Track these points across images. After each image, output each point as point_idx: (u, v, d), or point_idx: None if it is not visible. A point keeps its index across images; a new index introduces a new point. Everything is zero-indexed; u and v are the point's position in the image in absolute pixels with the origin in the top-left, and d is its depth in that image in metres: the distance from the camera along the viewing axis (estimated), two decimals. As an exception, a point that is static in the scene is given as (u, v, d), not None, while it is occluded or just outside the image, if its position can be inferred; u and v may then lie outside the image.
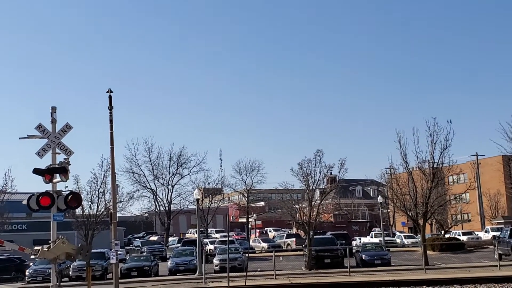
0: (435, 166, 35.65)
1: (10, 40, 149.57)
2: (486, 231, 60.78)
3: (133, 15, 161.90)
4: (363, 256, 36.84)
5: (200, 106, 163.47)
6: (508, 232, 38.69)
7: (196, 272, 34.93)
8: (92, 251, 29.15)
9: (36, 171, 17.09)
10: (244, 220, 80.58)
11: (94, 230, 43.20)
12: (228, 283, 22.73)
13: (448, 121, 35.37)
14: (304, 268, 35.81)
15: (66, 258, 16.96)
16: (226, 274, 23.89)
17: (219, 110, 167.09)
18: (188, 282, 29.17)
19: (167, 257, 46.38)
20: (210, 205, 72.40)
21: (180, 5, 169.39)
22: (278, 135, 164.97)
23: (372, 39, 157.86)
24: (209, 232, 70.49)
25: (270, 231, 77.75)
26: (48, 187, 17.33)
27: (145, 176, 68.62)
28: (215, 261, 37.25)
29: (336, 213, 79.08)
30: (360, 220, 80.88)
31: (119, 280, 26.72)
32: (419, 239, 43.44)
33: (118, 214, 36.17)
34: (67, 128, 18.01)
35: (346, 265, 31.56)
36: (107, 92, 26.33)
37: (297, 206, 41.77)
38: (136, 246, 59.36)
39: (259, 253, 51.54)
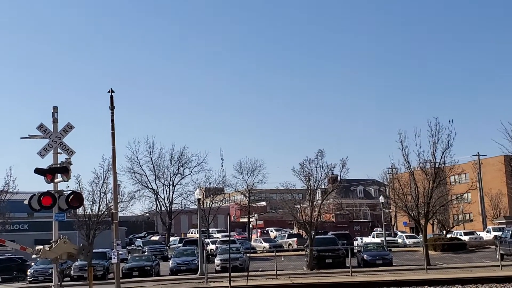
0: (436, 166, 35.66)
1: (10, 40, 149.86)
2: (487, 231, 60.74)
3: (134, 15, 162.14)
4: (365, 256, 36.82)
5: (201, 106, 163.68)
6: (510, 232, 38.58)
7: (197, 272, 34.94)
8: (94, 251, 29.14)
9: (38, 171, 17.10)
10: (246, 220, 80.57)
11: (95, 230, 43.20)
12: (230, 283, 22.73)
13: (449, 121, 35.35)
14: (306, 268, 35.81)
15: (68, 258, 16.97)
16: (227, 274, 23.88)
17: (220, 110, 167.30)
18: (189, 282, 29.18)
19: (169, 257, 46.42)
20: (212, 205, 72.41)
21: (180, 5, 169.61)
22: (279, 135, 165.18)
23: (372, 39, 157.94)
24: (210, 232, 70.49)
25: (271, 231, 77.78)
26: (50, 187, 17.35)
27: (146, 176, 68.74)
28: (217, 261, 37.26)
29: (338, 213, 79.03)
30: (361, 220, 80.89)
31: (121, 280, 26.76)
32: (421, 239, 43.45)
33: (120, 214, 36.22)
34: (68, 128, 18.02)
35: (347, 265, 31.56)
36: (109, 92, 26.35)
37: (298, 206, 41.76)
38: (137, 246, 59.37)
39: (260, 253, 51.53)
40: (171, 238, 66.19)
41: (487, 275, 23.29)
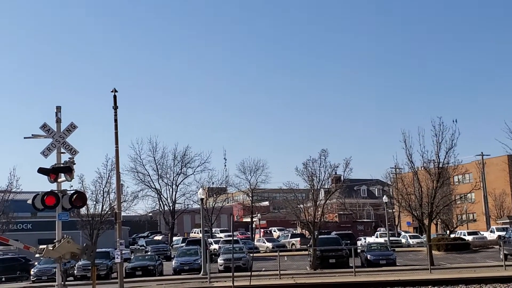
0: (440, 165, 35.58)
1: (11, 40, 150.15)
2: (491, 231, 60.60)
3: (135, 15, 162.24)
4: (368, 256, 36.77)
5: (203, 106, 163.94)
6: (514, 232, 38.58)
7: (200, 271, 34.95)
8: (97, 250, 29.19)
9: (41, 170, 17.12)
10: (249, 219, 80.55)
11: (99, 230, 43.23)
12: (233, 283, 22.72)
13: (453, 121, 35.25)
14: (309, 268, 35.77)
15: (71, 258, 16.99)
16: (230, 274, 23.88)
17: (221, 110, 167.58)
18: (192, 282, 29.20)
19: (172, 256, 46.44)
20: (215, 204, 72.23)
21: (180, 5, 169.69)
22: (280, 135, 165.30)
23: (372, 39, 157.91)
24: (213, 231, 70.43)
25: (274, 231, 77.65)
26: (53, 186, 17.37)
27: (149, 175, 68.60)
28: (220, 260, 37.27)
29: (341, 213, 78.91)
30: (365, 220, 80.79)
31: (124, 280, 26.79)
32: (425, 239, 43.35)
33: (123, 214, 36.15)
34: (71, 127, 18.04)
35: (351, 265, 31.50)
36: (112, 91, 26.38)
37: (301, 205, 41.73)
38: (140, 246, 59.39)
39: (263, 252, 51.52)
40: (174, 238, 66.14)
41: (491, 275, 23.26)
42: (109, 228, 44.28)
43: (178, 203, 69.60)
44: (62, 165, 17.33)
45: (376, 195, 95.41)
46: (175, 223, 70.70)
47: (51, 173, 17.12)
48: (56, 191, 17.11)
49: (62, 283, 17.13)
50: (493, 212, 71.46)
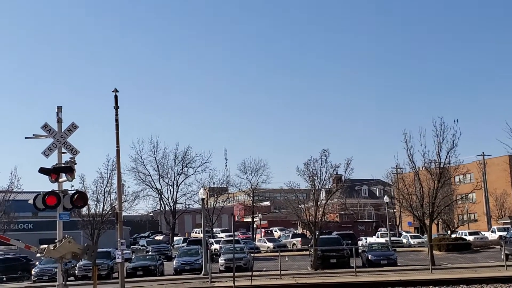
0: (441, 166, 35.57)
1: (13, 41, 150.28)
2: (492, 231, 60.58)
3: (135, 15, 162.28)
4: (369, 256, 36.77)
5: (204, 106, 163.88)
6: (515, 232, 38.61)
7: (201, 271, 34.95)
8: (98, 250, 29.19)
9: (42, 170, 17.13)
10: (250, 219, 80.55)
11: (100, 230, 43.27)
12: (234, 283, 22.72)
13: (454, 121, 35.35)
14: (310, 268, 35.77)
15: (72, 258, 16.99)
16: (231, 274, 23.88)
17: (222, 110, 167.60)
18: (193, 282, 29.21)
19: (173, 256, 46.41)
20: (215, 204, 72.30)
21: (180, 5, 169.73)
22: (283, 135, 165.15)
23: (372, 39, 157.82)
24: (214, 231, 70.46)
25: (275, 231, 77.67)
26: (54, 186, 17.37)
27: (150, 175, 68.68)
28: (221, 260, 37.27)
29: (342, 213, 78.95)
30: (366, 220, 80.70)
31: (125, 280, 26.77)
32: (426, 239, 43.33)
33: (124, 214, 36.18)
34: (73, 127, 18.04)
35: (352, 265, 31.51)
36: (113, 91, 26.36)
37: (302, 205, 41.71)
38: (141, 246, 59.40)
39: (264, 253, 51.51)
40: (175, 238, 66.14)
41: (492, 275, 23.25)
42: (110, 228, 44.29)
43: (179, 203, 69.74)
44: (63, 165, 17.33)
45: (377, 195, 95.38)
46: (176, 223, 70.78)
47: (52, 173, 17.12)
48: (57, 191, 17.12)
49: (63, 283, 17.12)
50: (494, 212, 71.44)
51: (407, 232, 69.64)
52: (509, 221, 68.40)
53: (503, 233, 51.20)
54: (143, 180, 68.02)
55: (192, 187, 69.76)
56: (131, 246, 61.53)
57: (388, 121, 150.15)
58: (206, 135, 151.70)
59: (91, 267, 31.42)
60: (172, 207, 69.01)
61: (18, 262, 42.68)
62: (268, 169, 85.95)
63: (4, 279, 39.52)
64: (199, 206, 49.15)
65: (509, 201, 71.14)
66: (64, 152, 17.73)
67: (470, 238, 55.23)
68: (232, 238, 35.18)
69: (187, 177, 69.81)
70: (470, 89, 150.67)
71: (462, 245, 48.33)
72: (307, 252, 41.18)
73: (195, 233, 73.17)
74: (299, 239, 57.39)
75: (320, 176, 36.85)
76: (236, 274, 24.61)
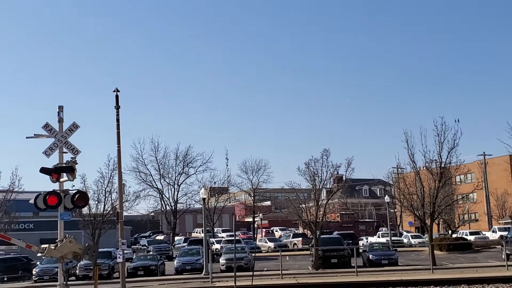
0: (442, 165, 35.56)
1: (13, 41, 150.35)
2: (493, 231, 60.53)
3: (136, 15, 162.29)
4: (370, 256, 36.75)
5: (204, 106, 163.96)
6: (516, 232, 38.53)
7: (202, 271, 34.94)
8: (99, 250, 29.19)
9: (43, 170, 17.12)
10: (250, 219, 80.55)
11: (101, 229, 43.23)
12: (235, 283, 22.72)
13: (455, 120, 35.24)
14: (311, 268, 35.75)
15: (73, 258, 16.98)
16: (232, 274, 23.87)
17: (223, 110, 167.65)
18: (194, 282, 29.21)
19: (174, 256, 46.40)
20: (216, 204, 72.36)
21: (180, 6, 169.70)
22: (283, 135, 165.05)
23: (374, 39, 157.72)
24: (215, 231, 70.47)
25: (276, 231, 77.69)
26: (55, 186, 17.36)
27: (151, 175, 68.71)
28: (222, 260, 37.24)
29: (343, 212, 78.92)
30: (367, 220, 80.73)
31: (126, 279, 26.75)
32: (426, 239, 43.33)
33: (125, 213, 36.17)
34: (74, 127, 18.03)
35: (353, 265, 31.51)
36: (114, 91, 26.33)
37: (303, 205, 41.69)
38: (142, 245, 59.42)
39: (265, 252, 51.51)
40: (176, 238, 66.18)
41: (493, 275, 23.23)
42: (111, 227, 44.29)
43: (180, 202, 69.79)
44: (64, 165, 17.32)
45: (378, 195, 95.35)
46: (177, 222, 70.79)
47: (53, 172, 17.10)
48: (58, 191, 17.11)
49: (64, 282, 17.12)
50: (495, 212, 71.37)
51: (408, 232, 69.62)
52: (510, 220, 68.25)
53: (504, 233, 51.07)
54: (144, 179, 68.11)
55: (193, 186, 69.85)
56: (132, 246, 61.55)
57: (389, 121, 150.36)
58: (207, 135, 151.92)
59: (92, 267, 31.41)
60: (173, 207, 69.03)
61: (19, 262, 42.66)
62: (269, 169, 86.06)
63: (5, 278, 39.53)
64: (200, 206, 49.15)
65: (510, 201, 71.04)
66: (65, 152, 17.72)
67: (471, 238, 55.20)
68: (233, 238, 35.16)
69: (188, 177, 69.91)
70: (471, 89, 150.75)
71: (463, 245, 48.29)
72: (308, 252, 41.17)
73: (196, 233, 73.18)
74: (300, 239, 57.39)
75: (321, 176, 36.86)
76: (237, 274, 24.59)
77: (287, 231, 71.90)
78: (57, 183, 17.23)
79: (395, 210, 70.90)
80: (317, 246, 35.49)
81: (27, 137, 18.38)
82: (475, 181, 60.01)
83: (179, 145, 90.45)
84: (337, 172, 40.26)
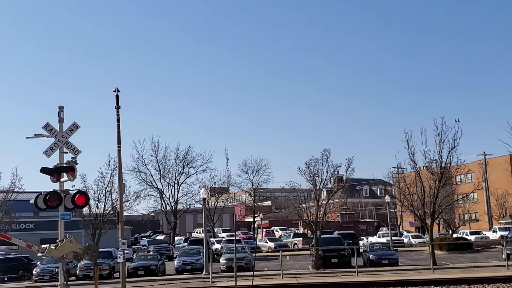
0: (443, 165, 35.54)
1: (13, 43, 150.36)
2: (493, 231, 60.52)
3: (137, 17, 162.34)
4: (371, 256, 36.74)
5: (206, 106, 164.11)
6: (516, 232, 38.55)
7: (202, 271, 34.94)
8: (99, 250, 29.16)
9: (44, 170, 17.10)
10: (251, 219, 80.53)
11: (101, 229, 43.18)
12: (235, 283, 22.71)
13: (456, 120, 35.22)
14: (311, 267, 35.73)
15: (73, 258, 16.97)
16: (233, 274, 23.86)
17: (223, 110, 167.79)
18: (194, 281, 29.19)
19: (174, 256, 46.40)
20: (217, 204, 72.34)
21: (181, 8, 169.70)
22: (284, 135, 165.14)
23: (374, 39, 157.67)
24: (215, 231, 70.44)
25: (276, 231, 77.70)
26: (56, 186, 17.35)
27: (151, 175, 68.67)
28: (222, 260, 37.22)
29: (343, 212, 78.91)
30: (367, 220, 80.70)
31: (126, 279, 26.74)
32: (427, 239, 43.30)
33: (125, 213, 36.22)
34: (74, 127, 18.02)
35: (353, 265, 31.50)
36: (114, 91, 26.33)
37: (304, 205, 41.69)
38: (143, 245, 59.38)
39: (265, 252, 51.49)
40: (176, 238, 66.14)
41: (494, 275, 23.22)
42: (111, 227, 44.26)
43: (180, 202, 69.73)
44: (64, 165, 17.31)
45: (378, 194, 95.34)
46: (177, 222, 70.75)
47: (54, 173, 17.09)
48: (59, 191, 17.10)
49: (65, 282, 17.11)
50: (496, 211, 71.38)
51: (408, 231, 69.60)
52: (510, 220, 68.31)
53: (505, 233, 51.11)
54: (144, 179, 68.07)
55: (193, 186, 69.82)
56: (132, 246, 61.48)
57: (389, 120, 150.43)
58: (207, 135, 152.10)
59: (92, 267, 31.42)
60: (173, 207, 69.00)
61: (20, 262, 42.65)
62: (269, 169, 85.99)
63: (6, 278, 39.54)
64: (200, 206, 49.18)
65: (510, 200, 71.05)
66: (65, 152, 17.71)
67: (472, 237, 55.18)
68: (233, 238, 35.13)
69: (188, 177, 69.87)
70: (471, 89, 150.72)
71: (464, 245, 48.28)
72: (309, 252, 41.14)
73: (196, 232, 73.14)
74: (301, 238, 57.37)
75: (322, 176, 36.86)
76: (238, 274, 24.58)
77: (288, 231, 71.89)
78: (58, 183, 17.22)
79: (396, 210, 70.87)
80: (317, 246, 35.47)
81: (27, 137, 18.38)
82: (475, 181, 60.01)
83: (179, 145, 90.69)
84: (338, 172, 40.24)
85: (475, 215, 74.59)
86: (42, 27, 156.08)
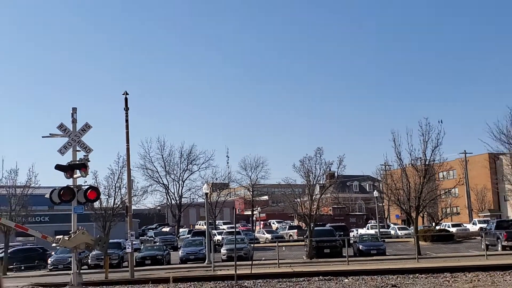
0: (427, 163, 35.57)
1: (20, 47, 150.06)
2: (473, 223, 60.61)
3: (144, 21, 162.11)
4: (360, 247, 36.76)
5: (208, 108, 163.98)
6: (494, 224, 38.62)
7: (205, 260, 34.94)
8: (109, 241, 29.20)
9: (58, 167, 17.13)
10: (249, 212, 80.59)
11: (111, 222, 43.02)
12: (235, 271, 22.69)
13: (439, 121, 35.27)
14: (305, 257, 35.75)
15: (86, 248, 17.00)
16: (233, 263, 23.85)
17: (225, 111, 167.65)
18: (198, 270, 29.18)
19: (178, 246, 46.41)
20: (218, 198, 72.24)
21: (182, 10, 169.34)
22: (281, 135, 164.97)
23: (365, 44, 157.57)
24: (217, 223, 70.45)
25: (273, 223, 77.72)
26: (69, 182, 17.37)
27: (157, 172, 68.57)
28: (223, 250, 37.24)
29: (335, 206, 78.94)
30: (357, 213, 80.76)
31: (134, 268, 26.80)
32: (412, 231, 43.33)
33: (133, 207, 36.09)
34: (86, 127, 18.05)
35: (344, 254, 31.48)
36: (124, 94, 26.39)
37: (298, 200, 41.69)
38: (149, 237, 59.37)
39: (263, 243, 51.52)
40: (181, 230, 66.17)
41: (474, 264, 23.23)
42: (121, 220, 44.06)
43: (184, 197, 69.63)
44: (77, 162, 17.34)
45: (367, 190, 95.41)
46: (182, 216, 70.70)
47: (67, 169, 17.12)
48: (72, 186, 17.12)
49: (77, 271, 17.12)
50: (475, 205, 71.56)
51: (395, 224, 69.62)
52: (488, 214, 68.53)
53: (484, 225, 51.13)
54: (151, 176, 67.99)
55: (196, 182, 69.72)
56: (140, 237, 61.40)
57: (378, 122, 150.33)
58: (209, 135, 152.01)
59: (103, 257, 31.43)
60: (177, 201, 68.93)
61: (35, 252, 42.66)
62: (266, 166, 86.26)
63: (23, 267, 39.53)
64: (203, 200, 49.17)
65: (488, 195, 71.28)
66: (78, 150, 17.74)
67: (453, 229, 55.23)
68: (233, 230, 35.14)
69: (191, 173, 69.77)
70: (454, 92, 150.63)
71: (446, 236, 48.33)
72: (303, 243, 41.16)
73: (199, 225, 73.19)
74: (295, 230, 57.40)
75: (315, 173, 36.89)
76: (237, 263, 24.57)
77: (283, 224, 71.92)
78: (71, 179, 17.24)
79: (383, 204, 70.94)
80: (311, 237, 35.50)
81: (43, 136, 18.40)
82: (456, 177, 59.96)
83: (184, 144, 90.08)
84: (330, 169, 40.23)
85: (457, 208, 74.63)
86: (42, 27, 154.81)
